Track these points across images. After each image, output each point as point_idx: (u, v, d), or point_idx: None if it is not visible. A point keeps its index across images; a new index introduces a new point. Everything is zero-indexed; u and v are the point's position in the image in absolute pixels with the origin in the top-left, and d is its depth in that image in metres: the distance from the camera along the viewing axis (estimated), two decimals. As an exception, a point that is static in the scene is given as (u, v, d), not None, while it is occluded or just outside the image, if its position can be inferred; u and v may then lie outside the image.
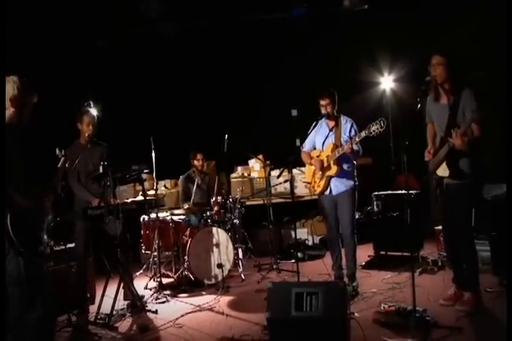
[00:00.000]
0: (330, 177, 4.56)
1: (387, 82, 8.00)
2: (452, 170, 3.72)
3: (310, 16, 7.41)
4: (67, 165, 3.47)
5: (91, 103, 5.05)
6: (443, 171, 3.80)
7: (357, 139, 4.26)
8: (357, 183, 4.60)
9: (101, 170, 4.41)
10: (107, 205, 4.37)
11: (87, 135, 4.64)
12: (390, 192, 5.89)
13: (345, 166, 4.52)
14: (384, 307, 3.72)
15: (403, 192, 5.58)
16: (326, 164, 4.56)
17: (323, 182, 4.60)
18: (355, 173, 4.63)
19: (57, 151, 3.43)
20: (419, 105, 3.76)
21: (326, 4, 7.46)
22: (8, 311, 2.90)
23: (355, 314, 3.75)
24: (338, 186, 4.55)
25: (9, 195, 2.85)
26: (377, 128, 4.01)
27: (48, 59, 6.13)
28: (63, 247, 4.73)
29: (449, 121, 3.76)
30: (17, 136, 2.98)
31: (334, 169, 4.49)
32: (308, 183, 4.86)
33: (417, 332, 3.28)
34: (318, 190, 4.65)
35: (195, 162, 6.32)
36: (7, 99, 2.94)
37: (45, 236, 3.04)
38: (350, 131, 4.54)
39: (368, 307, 4.00)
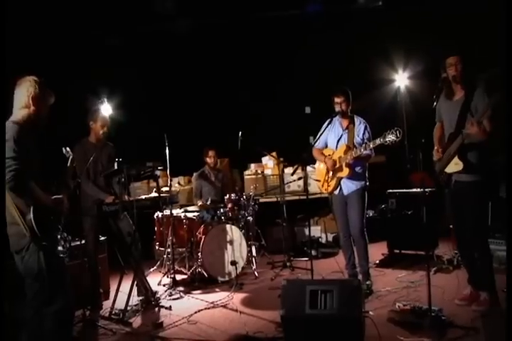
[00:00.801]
0: (341, 178, 4.55)
1: (401, 80, 7.93)
2: (465, 163, 3.65)
3: (324, 13, 7.37)
4: (74, 164, 3.47)
5: (105, 100, 5.07)
6: (454, 167, 3.73)
7: (371, 146, 4.24)
8: (368, 183, 4.59)
9: (116, 167, 4.44)
10: (122, 202, 4.39)
11: (101, 133, 4.63)
12: (404, 190, 5.85)
13: (357, 168, 4.52)
14: (399, 306, 3.70)
15: (418, 190, 5.54)
16: (337, 165, 4.54)
17: (333, 182, 4.59)
18: (366, 174, 4.62)
19: (64, 150, 3.43)
20: (435, 103, 3.73)
21: (340, 1, 7.42)
22: (25, 306, 2.92)
23: (370, 312, 3.74)
24: (349, 186, 4.54)
25: (34, 191, 2.86)
26: (393, 138, 3.98)
27: (61, 56, 6.17)
28: (78, 243, 4.77)
29: (460, 118, 3.72)
30: (35, 135, 3.00)
31: (346, 171, 4.47)
32: (318, 181, 4.86)
33: (433, 332, 3.26)
34: (329, 189, 4.64)
35: (207, 159, 6.33)
36: (29, 98, 2.95)
37: (65, 233, 3.06)
38: (364, 134, 4.52)
39: (383, 306, 3.99)
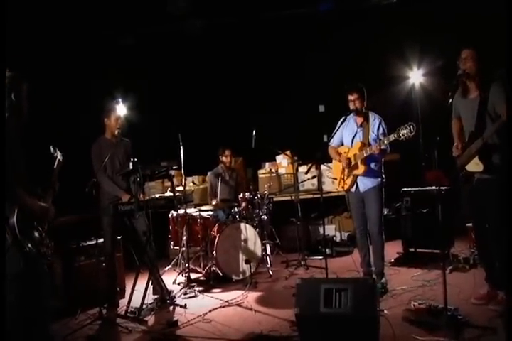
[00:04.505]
0: (357, 176, 4.53)
1: (416, 77, 7.85)
2: (486, 164, 3.63)
3: (338, 11, 7.34)
4: (61, 164, 3.43)
5: (119, 100, 5.11)
6: (474, 166, 3.71)
7: (385, 142, 4.21)
8: (384, 180, 4.56)
9: (131, 167, 4.47)
10: (137, 201, 4.42)
11: (116, 131, 4.70)
12: (419, 188, 5.80)
13: (372, 165, 4.49)
14: (414, 305, 3.67)
15: (433, 188, 5.50)
16: (353, 162, 4.52)
17: (350, 180, 4.57)
18: (383, 170, 4.58)
19: (52, 149, 3.43)
20: (450, 100, 3.70)
21: (353, -2, 7.38)
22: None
23: (385, 311, 3.72)
24: (365, 183, 4.52)
25: (20, 195, 2.82)
26: (407, 133, 3.94)
27: (76, 56, 6.24)
28: (94, 242, 4.83)
29: (478, 118, 3.68)
30: (20, 132, 2.97)
31: (362, 168, 4.45)
32: (335, 179, 4.85)
33: (449, 331, 3.22)
34: (346, 186, 4.62)
35: (224, 158, 6.34)
36: (11, 98, 2.92)
37: (47, 239, 3.00)
38: (378, 129, 4.49)
39: (398, 305, 3.96)
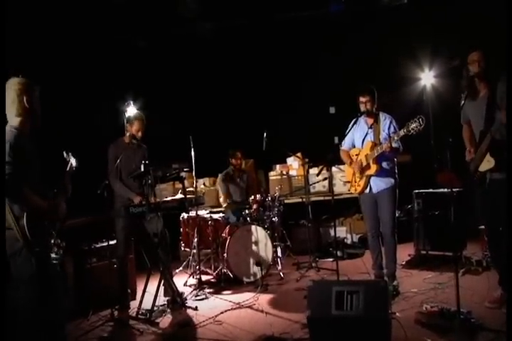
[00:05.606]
0: (370, 176, 4.51)
1: (427, 78, 7.82)
2: (497, 159, 3.58)
3: (349, 12, 7.32)
4: (74, 168, 3.49)
5: (131, 102, 5.15)
6: (486, 164, 3.66)
7: (396, 138, 4.20)
8: (397, 181, 4.53)
9: (142, 169, 4.50)
10: (149, 203, 4.45)
11: (135, 135, 4.75)
12: (431, 190, 5.76)
13: (384, 164, 4.46)
14: (426, 308, 3.64)
15: (445, 190, 5.46)
16: (365, 163, 4.50)
17: (363, 182, 4.56)
18: (396, 170, 4.55)
19: (65, 154, 3.48)
20: (463, 101, 3.67)
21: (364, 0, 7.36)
22: (18, 312, 2.87)
23: (397, 314, 3.69)
24: (379, 184, 4.49)
25: (27, 195, 2.86)
26: (416, 126, 3.92)
27: (88, 59, 6.28)
28: (106, 244, 4.86)
29: (488, 114, 3.65)
30: (34, 137, 3.03)
31: (374, 168, 4.43)
32: (348, 182, 4.83)
33: (461, 335, 3.20)
34: (359, 189, 4.61)
35: (234, 160, 6.34)
36: (25, 104, 2.98)
37: (58, 239, 3.04)
38: (389, 128, 4.47)
39: (410, 307, 3.93)
